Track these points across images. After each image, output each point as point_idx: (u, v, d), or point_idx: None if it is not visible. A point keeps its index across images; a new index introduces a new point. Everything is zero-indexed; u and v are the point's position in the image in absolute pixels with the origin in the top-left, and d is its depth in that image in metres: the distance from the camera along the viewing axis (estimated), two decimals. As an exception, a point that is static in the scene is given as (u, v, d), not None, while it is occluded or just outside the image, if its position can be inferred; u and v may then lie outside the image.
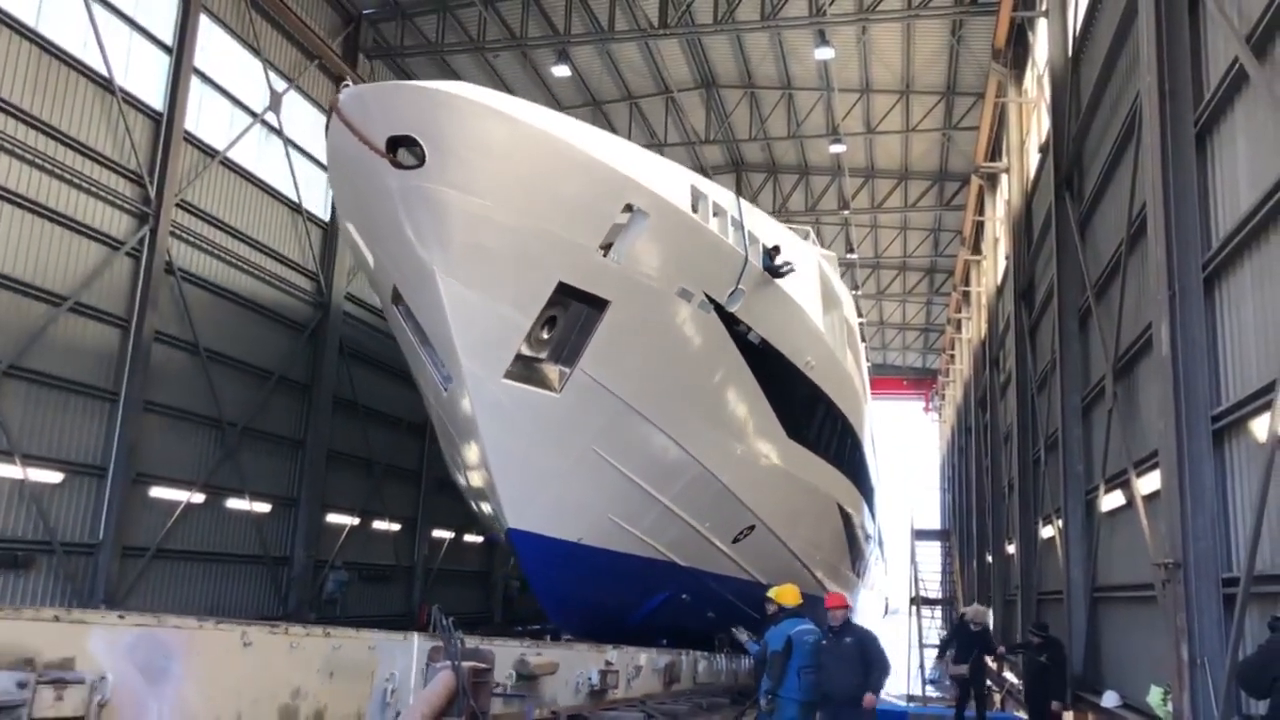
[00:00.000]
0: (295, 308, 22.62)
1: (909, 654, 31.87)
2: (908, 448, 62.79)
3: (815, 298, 16.42)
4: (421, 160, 10.47)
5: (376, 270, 12.70)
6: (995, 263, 28.07)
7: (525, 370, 11.98)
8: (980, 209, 29.45)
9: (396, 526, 27.25)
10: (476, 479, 13.43)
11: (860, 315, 50.44)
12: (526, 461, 12.40)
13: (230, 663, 5.00)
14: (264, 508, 21.47)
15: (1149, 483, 10.79)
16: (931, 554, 44.12)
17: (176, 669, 4.61)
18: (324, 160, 23.66)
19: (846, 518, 21.70)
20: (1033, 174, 20.58)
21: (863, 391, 21.20)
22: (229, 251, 20.39)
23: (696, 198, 12.87)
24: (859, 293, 45.22)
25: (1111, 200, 12.97)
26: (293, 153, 22.57)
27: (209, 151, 19.87)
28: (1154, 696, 9.96)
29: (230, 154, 20.43)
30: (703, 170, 35.18)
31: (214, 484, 19.94)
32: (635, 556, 13.83)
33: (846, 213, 35.41)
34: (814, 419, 17.28)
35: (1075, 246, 14.80)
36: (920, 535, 41.69)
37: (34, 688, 3.84)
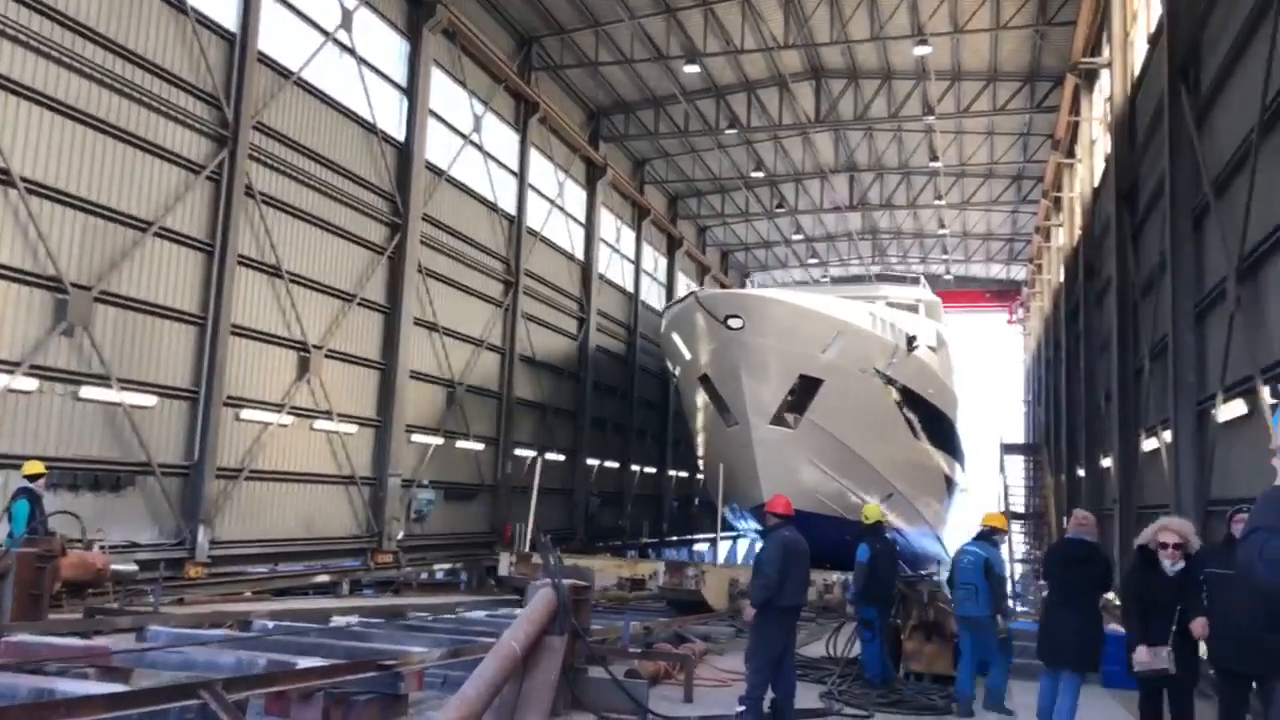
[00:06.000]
0: (373, 229, 22.53)
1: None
2: (991, 362, 61.64)
3: (932, 351, 27.92)
4: (742, 325, 21.13)
5: (690, 363, 23.73)
6: (1091, 165, 26.77)
7: (779, 419, 22.44)
8: (1075, 109, 28.02)
9: (480, 446, 27.46)
10: (742, 474, 22.71)
11: (943, 227, 49.11)
12: (776, 466, 22.26)
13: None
14: (350, 429, 21.70)
15: (1280, 390, 10.13)
16: (1016, 469, 43.42)
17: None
18: (397, 79, 23.48)
19: (947, 480, 32.07)
20: (1138, 68, 19.38)
21: (957, 394, 31.98)
22: (306, 174, 20.27)
23: (873, 317, 24.20)
24: (943, 201, 43.91)
25: (1237, 87, 12.02)
26: (365, 72, 22.24)
27: (283, 72, 19.64)
28: None
29: (304, 75, 20.18)
30: (780, 78, 34.09)
31: (300, 406, 20.16)
32: (827, 515, 22.28)
33: (931, 119, 34.03)
34: (930, 424, 27.74)
35: (1191, 140, 13.86)
36: (1006, 450, 41.00)
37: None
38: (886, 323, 24.47)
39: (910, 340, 24.70)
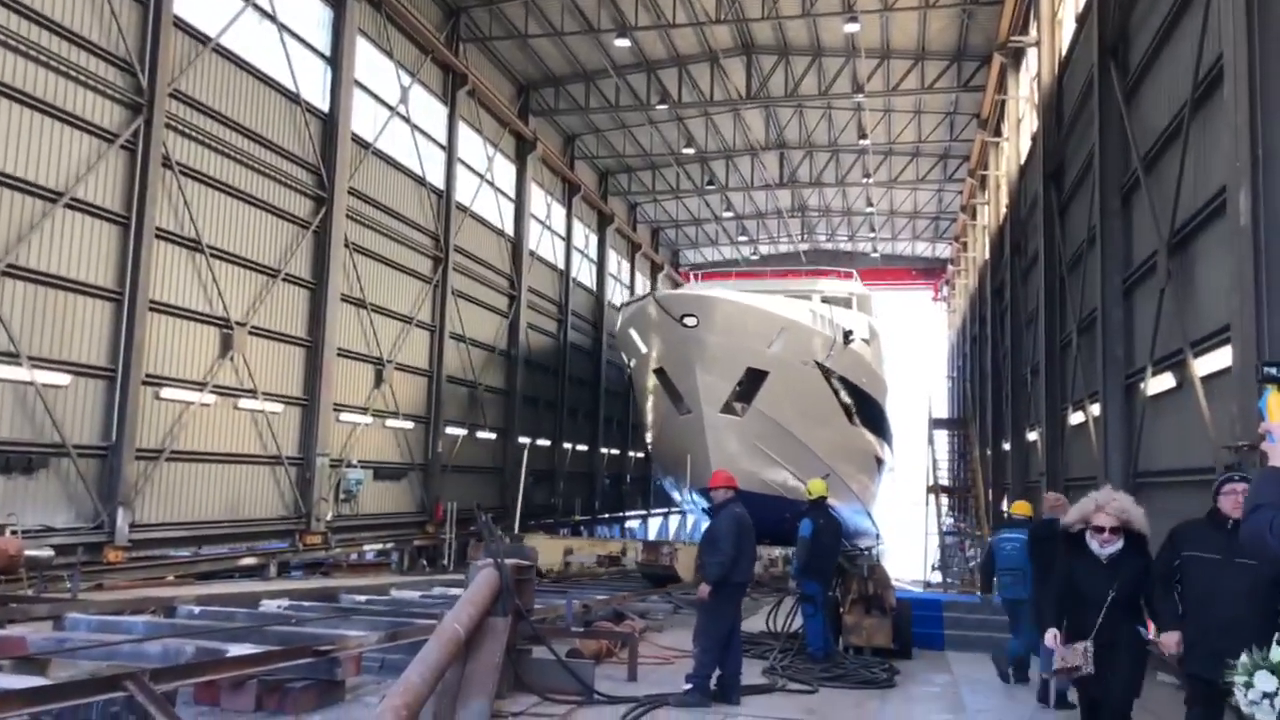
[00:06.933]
0: (297, 202, 21.87)
1: (926, 542, 32.37)
2: (917, 339, 62.78)
3: (865, 343, 29.55)
4: (696, 323, 22.96)
5: (645, 355, 25.52)
6: (1018, 144, 27.18)
7: (728, 407, 24.44)
8: (1001, 88, 28.39)
9: (409, 425, 27.00)
10: (693, 458, 24.76)
11: (870, 205, 49.57)
12: (725, 450, 23.97)
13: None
14: (276, 408, 21.11)
15: (1210, 363, 10.32)
16: (943, 443, 44.26)
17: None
18: (321, 48, 22.78)
19: (877, 459, 33.76)
20: (1066, 47, 19.63)
21: (887, 382, 33.09)
22: (227, 144, 19.55)
23: (813, 314, 26.27)
24: (870, 179, 44.32)
25: (1168, 64, 12.18)
26: (288, 39, 21.49)
27: (201, 38, 18.86)
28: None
29: (223, 40, 19.41)
30: (711, 53, 33.95)
31: (224, 385, 19.53)
32: (769, 496, 23.69)
33: (860, 97, 34.22)
34: (862, 409, 29.69)
35: (1121, 117, 14.05)
36: (934, 424, 41.71)
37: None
38: (825, 319, 26.84)
39: (846, 334, 27.06)
